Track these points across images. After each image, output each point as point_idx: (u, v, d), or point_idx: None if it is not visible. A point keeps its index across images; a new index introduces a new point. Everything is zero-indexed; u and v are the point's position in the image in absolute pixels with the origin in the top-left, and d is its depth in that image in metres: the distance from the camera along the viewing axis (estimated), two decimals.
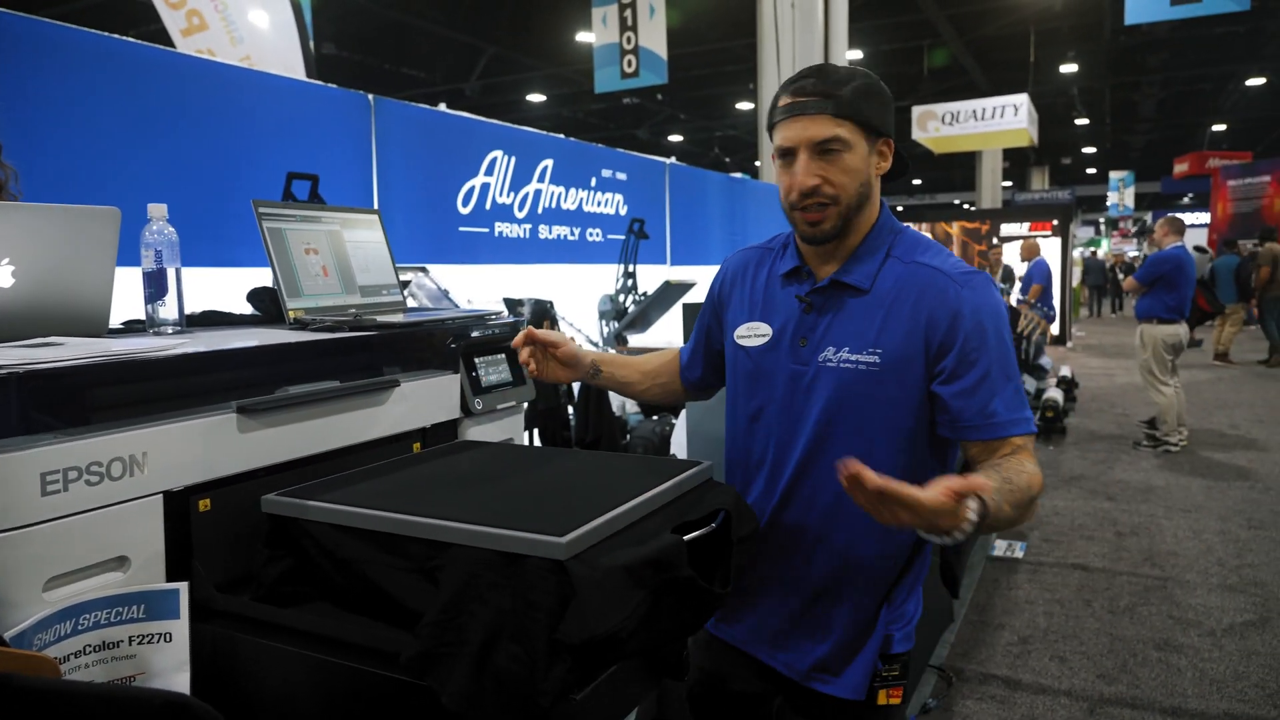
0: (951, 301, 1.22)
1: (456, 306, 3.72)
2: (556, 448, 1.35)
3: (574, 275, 5.08)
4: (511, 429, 1.70)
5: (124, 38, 2.88)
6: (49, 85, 2.64)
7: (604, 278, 4.91)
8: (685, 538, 1.00)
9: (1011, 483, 1.11)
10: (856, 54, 13.44)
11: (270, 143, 3.30)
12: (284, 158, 3.29)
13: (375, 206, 3.79)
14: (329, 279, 1.69)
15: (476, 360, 1.61)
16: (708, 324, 1.52)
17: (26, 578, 0.95)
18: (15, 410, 0.96)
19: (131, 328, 1.51)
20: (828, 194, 1.24)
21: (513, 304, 4.00)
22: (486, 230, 4.48)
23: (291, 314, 1.56)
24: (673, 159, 6.55)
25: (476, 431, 1.59)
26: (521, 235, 4.75)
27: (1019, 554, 4.21)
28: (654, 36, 9.61)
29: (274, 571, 1.10)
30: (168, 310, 1.47)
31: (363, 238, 1.82)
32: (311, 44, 10.10)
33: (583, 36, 11.83)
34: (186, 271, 2.45)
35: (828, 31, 10.02)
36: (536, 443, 3.50)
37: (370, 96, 3.74)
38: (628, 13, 9.81)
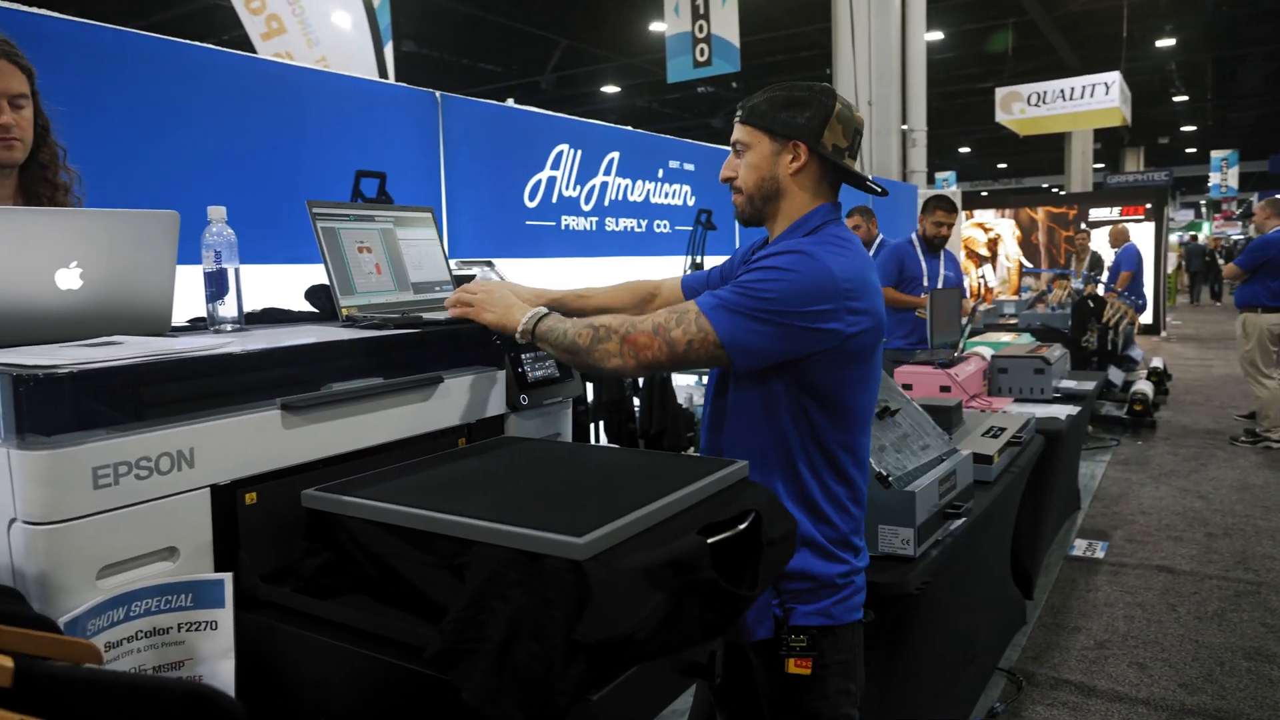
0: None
1: None
2: (596, 444, 1.35)
3: (641, 267, 5.08)
4: (559, 424, 1.71)
5: (199, 44, 3.00)
6: (127, 93, 2.77)
7: (671, 270, 4.90)
8: (710, 540, 0.99)
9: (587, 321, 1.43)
10: (936, 35, 13.06)
11: (341, 142, 3.39)
12: (355, 156, 3.38)
13: (443, 202, 3.87)
14: (382, 276, 1.73)
15: (523, 356, 1.62)
16: None
17: (81, 566, 1.00)
18: (69, 407, 1.01)
19: (195, 325, 1.58)
20: (736, 185, 1.52)
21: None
22: (553, 224, 4.52)
23: (344, 311, 1.61)
24: None
25: (522, 427, 1.60)
26: (588, 228, 4.77)
27: (1100, 554, 4.05)
28: (726, 24, 9.52)
29: (313, 564, 1.14)
30: (227, 308, 1.53)
31: (416, 235, 1.86)
32: (391, 44, 10.32)
33: (655, 26, 11.80)
34: (258, 268, 2.55)
35: (905, 13, 9.77)
36: (602, 436, 3.54)
37: (438, 94, 3.80)
38: (700, 1, 9.74)
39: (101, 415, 1.04)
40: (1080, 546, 4.15)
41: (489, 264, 3.75)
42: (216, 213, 1.53)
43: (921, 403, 2.83)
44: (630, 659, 0.92)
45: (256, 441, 1.17)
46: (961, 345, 3.97)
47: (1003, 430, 2.86)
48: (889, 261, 4.71)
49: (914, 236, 4.78)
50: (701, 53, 9.75)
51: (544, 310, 1.48)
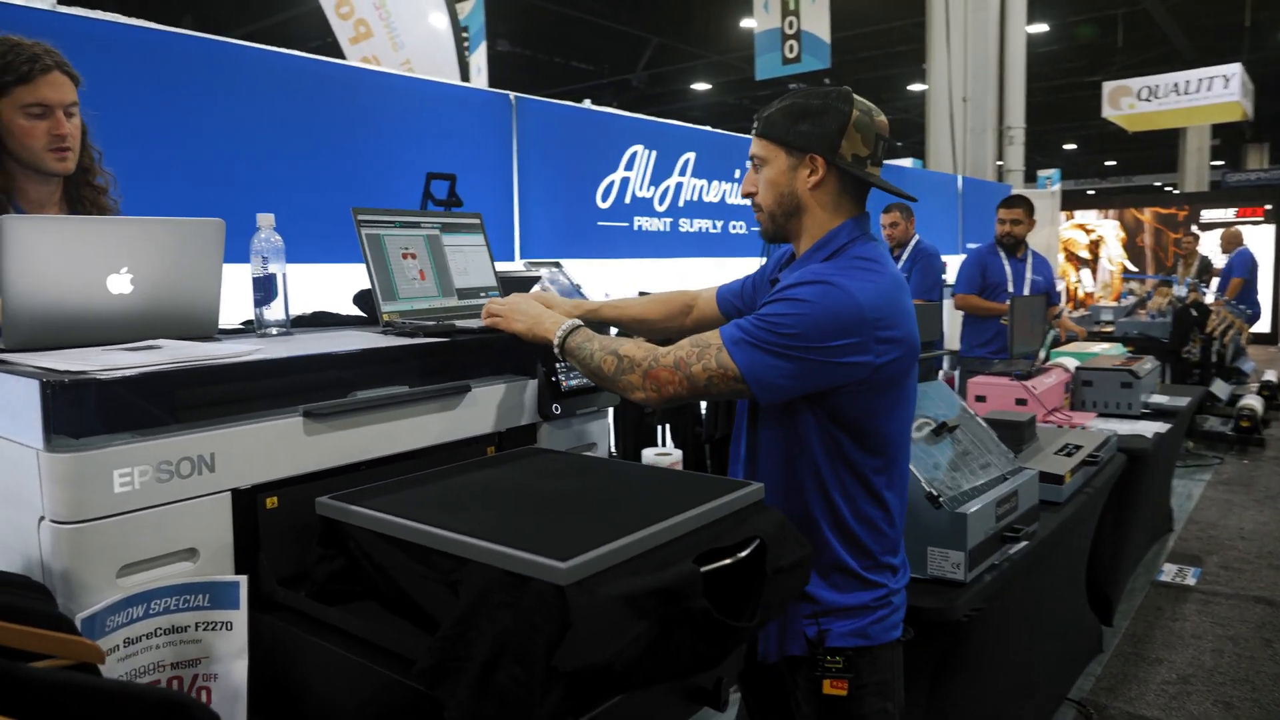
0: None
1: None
2: (617, 460, 1.34)
3: (715, 269, 5.04)
4: (595, 434, 1.70)
5: (277, 49, 3.10)
6: (205, 100, 2.89)
7: (746, 271, 4.83)
8: (703, 569, 0.96)
9: (617, 342, 1.41)
10: (1040, 28, 12.52)
11: (416, 144, 3.46)
12: (429, 158, 3.45)
13: (515, 203, 3.91)
14: (425, 282, 1.75)
15: (557, 365, 1.62)
16: None
17: (101, 565, 1.04)
18: (95, 412, 1.06)
19: (247, 328, 1.63)
20: (757, 201, 1.47)
21: (643, 295, 4.03)
22: (626, 224, 4.52)
23: (385, 317, 1.63)
24: None
25: (554, 436, 1.60)
26: (662, 229, 4.76)
27: (1190, 580, 3.81)
28: (817, 20, 9.34)
29: (326, 570, 1.16)
30: (273, 313, 1.58)
31: (463, 241, 1.87)
32: (484, 44, 10.50)
33: (746, 23, 11.67)
34: (334, 268, 2.62)
35: (1004, 6, 9.40)
36: (668, 439, 3.51)
37: (512, 95, 3.85)
38: None
39: (127, 419, 1.08)
40: (1169, 572, 3.92)
41: (557, 265, 3.78)
42: (265, 220, 1.57)
43: (993, 417, 2.71)
44: (612, 688, 0.90)
45: (278, 447, 1.19)
46: (1044, 355, 3.80)
47: (1078, 448, 2.71)
48: (970, 268, 4.54)
49: (994, 242, 4.60)
50: (791, 49, 9.60)
51: (575, 323, 1.47)
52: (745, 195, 1.51)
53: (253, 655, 1.14)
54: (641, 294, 3.97)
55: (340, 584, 1.16)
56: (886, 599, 1.42)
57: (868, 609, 1.40)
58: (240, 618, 1.13)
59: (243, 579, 1.13)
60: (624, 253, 4.51)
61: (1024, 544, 2.08)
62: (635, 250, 4.55)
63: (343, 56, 4.68)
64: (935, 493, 1.88)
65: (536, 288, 3.69)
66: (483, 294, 1.87)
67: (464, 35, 10.80)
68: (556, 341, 1.45)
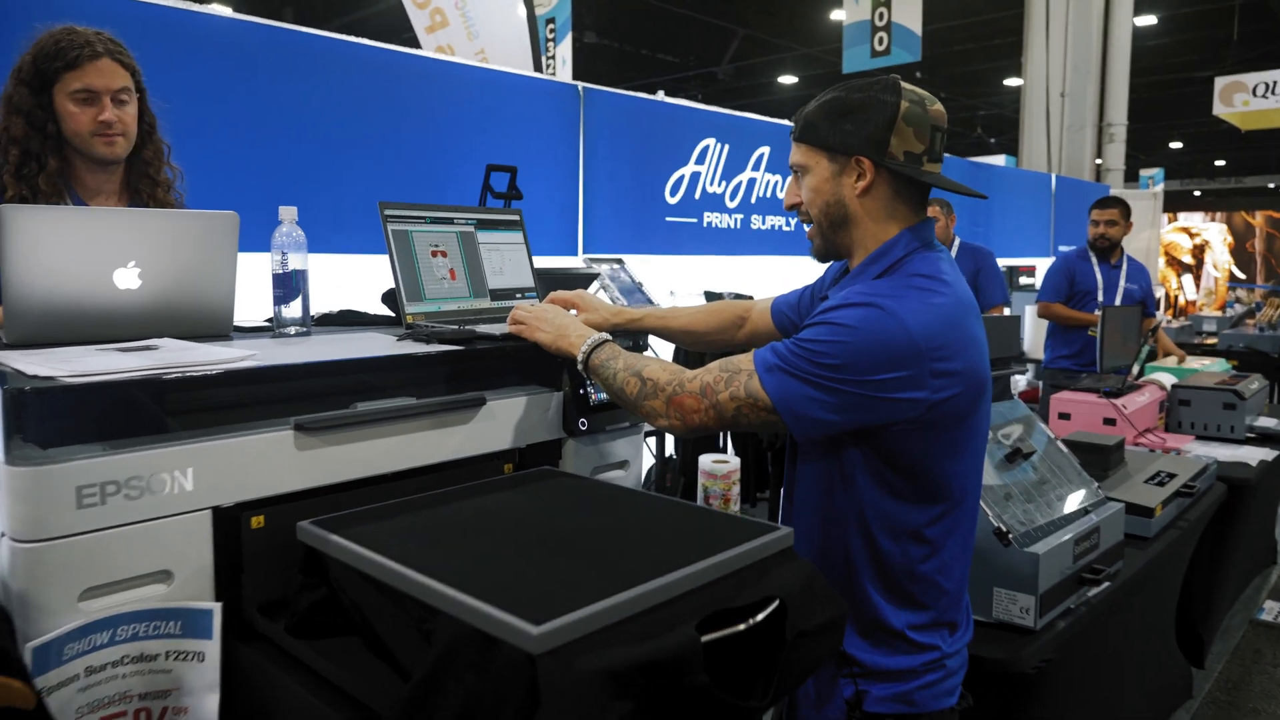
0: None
1: (649, 301, 3.64)
2: (637, 492, 1.19)
3: (787, 267, 4.83)
4: (626, 451, 1.56)
5: (346, 38, 3.04)
6: (270, 88, 2.84)
7: (819, 270, 4.62)
8: (708, 636, 0.81)
9: (645, 361, 1.27)
10: (1148, 20, 11.77)
11: (481, 134, 3.38)
12: (494, 148, 3.36)
13: (580, 196, 3.79)
14: (456, 282, 1.64)
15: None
16: None
17: (61, 588, 0.96)
18: (62, 421, 0.97)
19: (268, 326, 1.54)
20: (804, 213, 1.30)
21: (713, 299, 3.85)
22: (695, 220, 4.36)
23: (409, 318, 1.53)
24: None
25: (581, 453, 1.47)
26: (732, 225, 4.58)
27: None
28: (908, 12, 8.96)
29: (308, 600, 1.05)
30: (292, 311, 1.49)
31: (500, 239, 1.76)
32: (570, 35, 10.44)
33: (835, 15, 11.30)
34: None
35: None
36: (729, 447, 3.34)
37: (580, 86, 3.72)
38: None
39: (99, 429, 0.99)
40: (1271, 610, 3.56)
41: (619, 261, 3.64)
42: (287, 213, 1.48)
43: (1076, 439, 2.47)
44: None
45: (265, 463, 1.09)
46: (1137, 370, 3.48)
47: (1172, 476, 2.44)
48: (1057, 275, 4.22)
49: (1087, 246, 4.26)
50: (880, 41, 9.24)
51: (602, 338, 1.34)
52: (789, 208, 1.33)
53: (228, 688, 1.04)
54: (708, 294, 3.84)
55: (323, 615, 1.05)
56: (939, 662, 1.23)
57: (914, 673, 1.22)
58: (213, 648, 1.03)
59: (216, 606, 1.03)
60: (692, 249, 4.35)
61: (1104, 586, 1.85)
62: (704, 247, 4.38)
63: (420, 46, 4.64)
64: (1004, 528, 1.67)
65: (595, 284, 3.57)
66: (518, 296, 1.75)
67: (550, 26, 10.78)
68: (580, 356, 1.32)
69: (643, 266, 3.76)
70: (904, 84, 1.22)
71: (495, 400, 1.33)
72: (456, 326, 1.45)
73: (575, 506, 1.13)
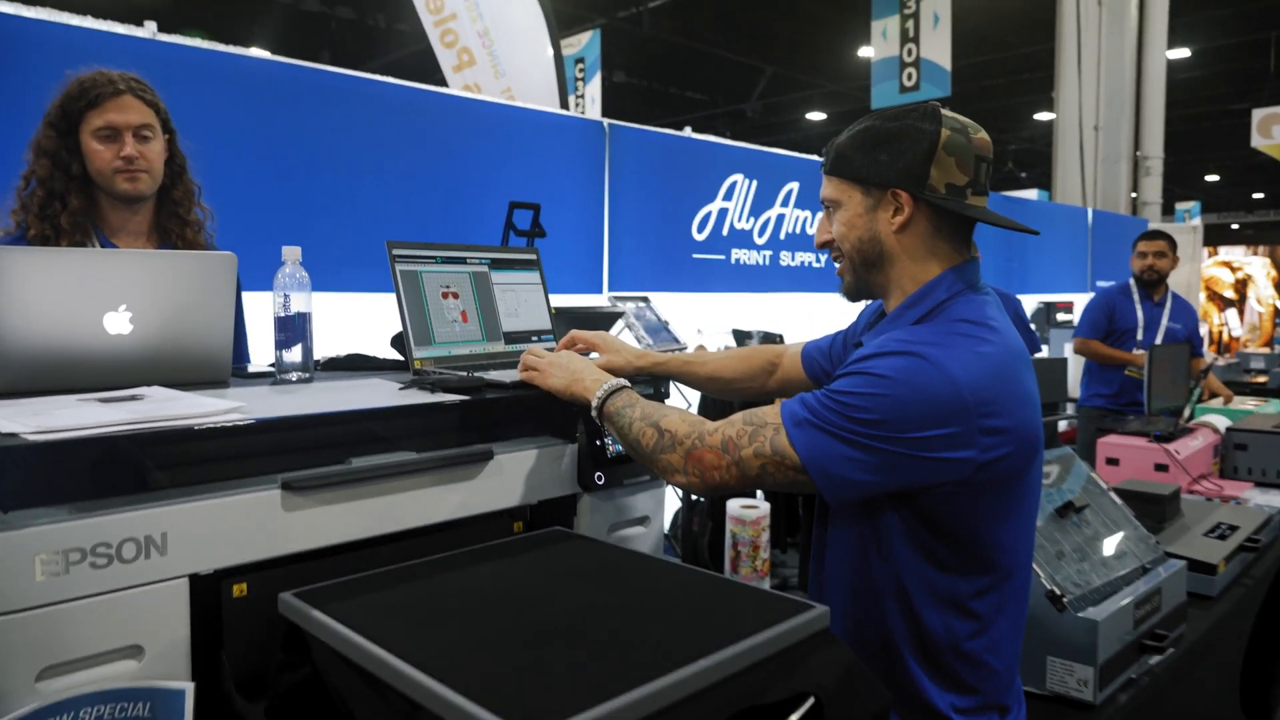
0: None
1: (675, 340, 3.55)
2: (654, 559, 1.07)
3: (817, 304, 4.72)
4: (646, 506, 1.45)
5: (371, 76, 3.01)
6: (303, 127, 2.81)
7: (851, 308, 4.49)
8: None
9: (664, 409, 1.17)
10: (1181, 53, 11.61)
11: (504, 172, 3.32)
12: (517, 185, 3.30)
13: (605, 233, 3.72)
14: (468, 325, 1.55)
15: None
16: None
17: (16, 666, 0.86)
18: (23, 482, 0.88)
19: (263, 373, 1.47)
20: (837, 249, 1.20)
21: (741, 337, 3.75)
22: (722, 257, 4.27)
23: (417, 363, 1.44)
24: None
25: (598, 509, 1.36)
26: (761, 262, 4.48)
27: None
28: (937, 48, 8.90)
29: (289, 680, 0.94)
30: (293, 356, 1.41)
31: (515, 279, 1.67)
32: (599, 75, 10.45)
33: (863, 52, 11.28)
34: None
35: (1142, 30, 8.70)
36: (758, 493, 3.22)
37: (606, 122, 3.67)
38: (909, 24, 9.19)
39: (65, 491, 0.91)
40: None
41: (644, 299, 3.56)
42: (290, 253, 1.41)
43: (1128, 488, 2.31)
44: None
45: (248, 526, 1.00)
46: (1188, 413, 3.30)
47: (1234, 529, 2.27)
48: (1096, 310, 4.04)
49: (1130, 281, 4.08)
50: (909, 77, 9.18)
51: (619, 384, 1.24)
52: (820, 246, 1.23)
53: None
54: (737, 333, 3.73)
55: (306, 697, 0.94)
56: None
57: None
58: None
59: (189, 687, 0.93)
60: (720, 287, 4.25)
61: (1169, 653, 1.70)
62: (732, 284, 4.29)
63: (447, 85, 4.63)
64: (1058, 590, 1.53)
65: (620, 323, 3.47)
66: (534, 338, 1.66)
67: (579, 66, 10.82)
68: (595, 402, 1.22)
69: (669, 304, 3.67)
70: (945, 111, 1.12)
71: (504, 454, 1.23)
72: (465, 373, 1.36)
73: (585, 578, 1.02)
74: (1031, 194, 10.61)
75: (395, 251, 1.47)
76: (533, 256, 1.72)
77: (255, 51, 2.86)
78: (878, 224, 1.14)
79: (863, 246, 1.16)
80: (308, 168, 2.79)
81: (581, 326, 1.65)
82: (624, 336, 3.35)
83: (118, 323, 1.22)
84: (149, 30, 2.72)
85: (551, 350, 1.43)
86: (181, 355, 1.29)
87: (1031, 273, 6.50)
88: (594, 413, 1.23)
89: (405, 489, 1.13)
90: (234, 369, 1.48)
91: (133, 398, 1.12)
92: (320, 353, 1.66)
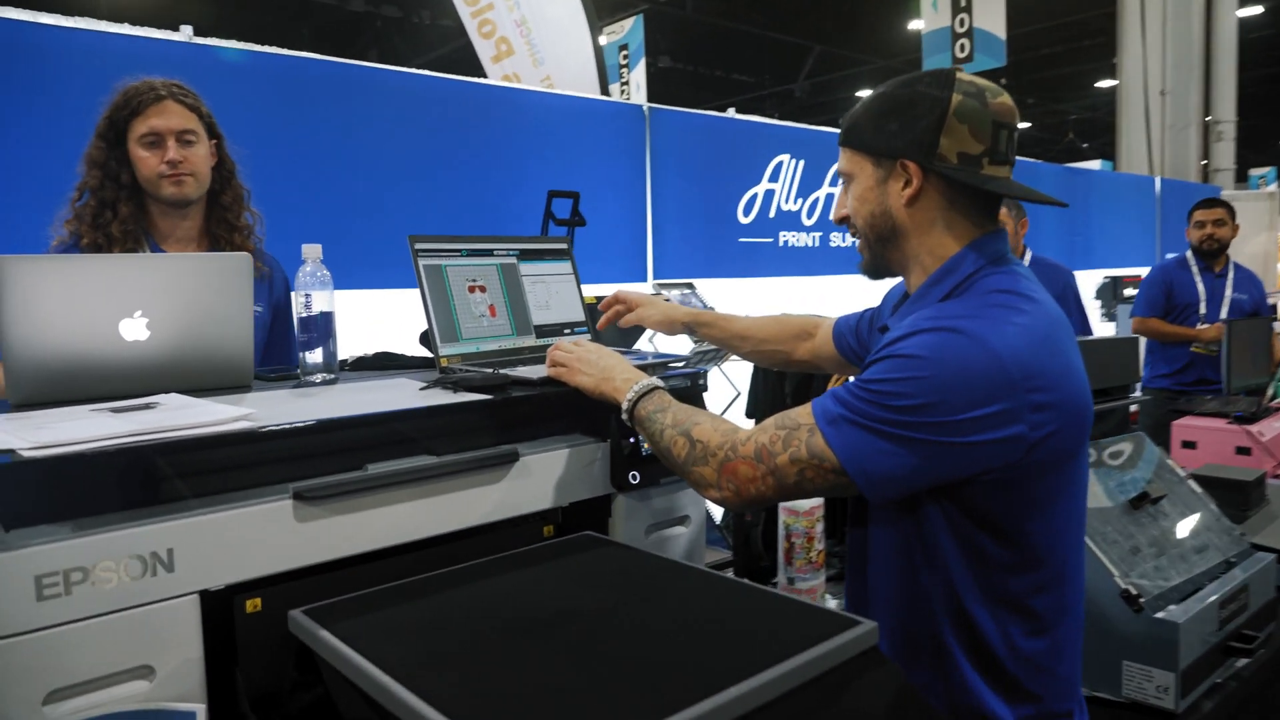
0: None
1: None
2: (687, 568, 1.00)
3: (870, 287, 4.56)
4: (685, 505, 1.38)
5: (407, 70, 2.98)
6: (338, 122, 2.79)
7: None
8: None
9: (696, 413, 1.11)
10: (1253, 10, 11.02)
11: (541, 160, 3.27)
12: (557, 174, 3.24)
13: (648, 219, 3.65)
14: (497, 319, 1.49)
15: None
16: None
17: (21, 691, 0.83)
18: (22, 499, 0.85)
19: (287, 375, 1.43)
20: (853, 224, 1.14)
21: None
22: (770, 240, 4.16)
23: (443, 361, 1.39)
24: None
25: (633, 511, 1.29)
26: (810, 244, 4.35)
27: None
28: (991, 17, 8.57)
29: (302, 700, 0.90)
30: (316, 357, 1.36)
31: (545, 270, 1.60)
32: (644, 61, 10.35)
33: (914, 24, 10.95)
34: None
35: None
36: None
37: (645, 106, 3.59)
38: None
39: (67, 508, 0.87)
40: None
41: (689, 286, 3.48)
42: (311, 251, 1.36)
43: (1207, 473, 2.16)
44: None
45: (260, 538, 0.95)
46: (1271, 391, 3.10)
47: None
48: (1153, 287, 3.81)
49: (1188, 254, 3.84)
50: (962, 48, 8.88)
51: (651, 384, 1.17)
52: (837, 221, 1.17)
53: None
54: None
55: (320, 718, 0.90)
56: None
57: None
58: None
59: (200, 709, 0.89)
60: (767, 271, 4.15)
61: (1259, 653, 1.56)
62: (780, 268, 4.17)
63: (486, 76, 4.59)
64: (1134, 589, 1.41)
65: None
66: (567, 331, 1.59)
67: (623, 52, 10.71)
68: (625, 405, 1.16)
69: (716, 290, 3.59)
70: (962, 75, 1.04)
71: (531, 454, 1.17)
72: (491, 370, 1.30)
73: (614, 590, 0.95)
74: (1095, 164, 10.19)
75: (418, 245, 1.42)
76: (563, 246, 1.65)
77: (300, 53, 2.84)
78: (888, 197, 1.08)
79: (875, 221, 1.10)
80: (344, 166, 2.77)
81: (592, 325, 1.61)
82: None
83: (134, 329, 1.19)
84: (185, 34, 2.73)
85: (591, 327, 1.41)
86: (201, 360, 1.25)
87: (1096, 245, 6.23)
88: (624, 415, 1.16)
89: (425, 495, 1.07)
90: (276, 371, 1.46)
91: (146, 407, 1.08)
92: (357, 351, 1.63)
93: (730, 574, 2.90)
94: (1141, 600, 1.40)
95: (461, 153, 3.04)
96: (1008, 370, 0.92)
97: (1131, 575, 1.44)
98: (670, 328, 1.48)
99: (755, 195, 4.04)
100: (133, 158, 1.69)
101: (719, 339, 1.51)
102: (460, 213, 3.01)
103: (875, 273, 1.17)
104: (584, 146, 3.38)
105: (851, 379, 1.01)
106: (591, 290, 3.03)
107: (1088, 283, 5.40)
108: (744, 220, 4.02)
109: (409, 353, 1.61)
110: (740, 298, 3.81)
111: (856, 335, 1.37)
